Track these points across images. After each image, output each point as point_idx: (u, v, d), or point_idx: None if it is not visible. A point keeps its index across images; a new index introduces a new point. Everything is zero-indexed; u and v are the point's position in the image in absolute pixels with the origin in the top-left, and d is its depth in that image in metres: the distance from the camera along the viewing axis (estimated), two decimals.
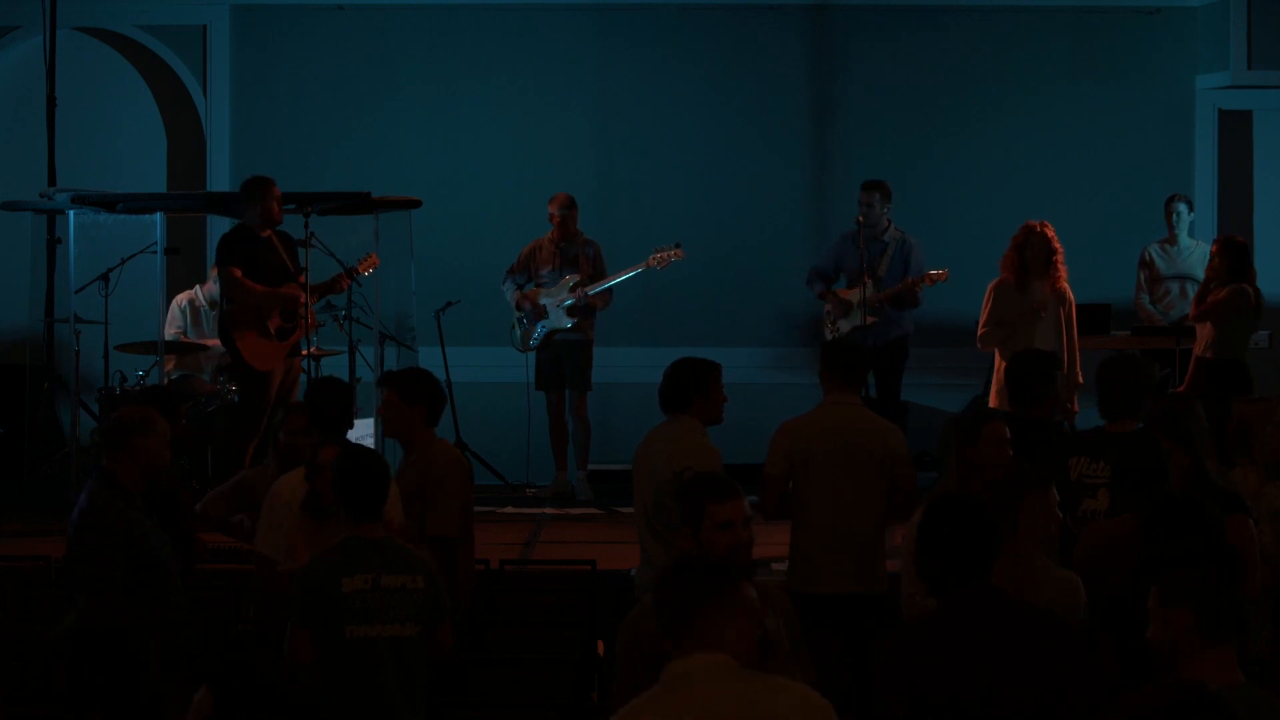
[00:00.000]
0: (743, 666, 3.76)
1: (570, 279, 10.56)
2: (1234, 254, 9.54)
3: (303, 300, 9.45)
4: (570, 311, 10.54)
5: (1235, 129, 12.22)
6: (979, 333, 9.42)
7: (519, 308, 10.71)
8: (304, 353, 10.34)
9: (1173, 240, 11.15)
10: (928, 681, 4.29)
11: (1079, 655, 4.41)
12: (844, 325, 10.52)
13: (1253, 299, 9.50)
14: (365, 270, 9.90)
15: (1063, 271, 9.36)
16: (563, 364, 10.60)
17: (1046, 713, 4.30)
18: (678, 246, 10.57)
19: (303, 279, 9.61)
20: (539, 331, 10.65)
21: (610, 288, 10.61)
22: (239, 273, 9.46)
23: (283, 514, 6.39)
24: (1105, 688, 4.86)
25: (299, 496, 6.32)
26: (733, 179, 12.22)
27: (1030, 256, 9.26)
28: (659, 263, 10.55)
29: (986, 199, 12.12)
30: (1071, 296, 9.46)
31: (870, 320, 10.37)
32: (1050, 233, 9.33)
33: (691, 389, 6.60)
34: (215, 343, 10.75)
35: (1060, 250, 9.32)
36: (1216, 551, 4.84)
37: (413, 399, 6.64)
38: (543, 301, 10.62)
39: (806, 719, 3.75)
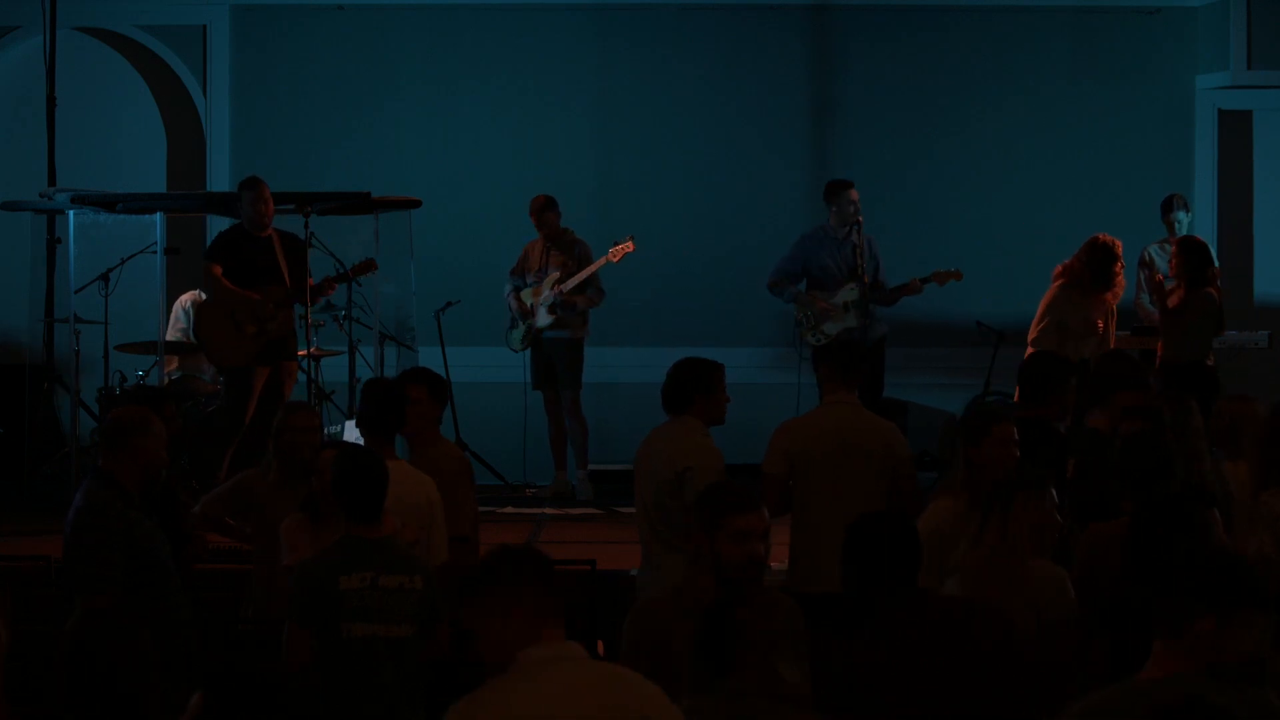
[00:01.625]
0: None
1: (553, 276, 10.56)
2: (1193, 254, 9.45)
3: (270, 306, 9.43)
4: (550, 310, 10.54)
5: (1235, 129, 12.21)
6: (1033, 334, 9.18)
7: (510, 309, 10.73)
8: (303, 352, 10.34)
9: (1173, 240, 11.15)
10: (876, 682, 4.33)
11: (1016, 648, 4.45)
12: (832, 329, 10.43)
13: (1217, 301, 9.45)
14: (361, 274, 9.87)
15: (1123, 284, 9.33)
16: (553, 363, 10.61)
17: (988, 699, 4.32)
18: (630, 239, 10.57)
19: (311, 283, 9.61)
20: (526, 330, 10.65)
21: (596, 287, 10.56)
22: (218, 270, 9.50)
23: None
24: (1066, 681, 4.91)
25: None
26: (733, 179, 12.22)
27: (1097, 269, 9.16)
28: (614, 256, 10.56)
29: (986, 199, 12.12)
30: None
31: (864, 322, 10.36)
32: (1118, 247, 9.25)
33: (694, 389, 6.60)
34: None
35: (1123, 264, 9.28)
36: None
37: (440, 397, 6.70)
38: (530, 301, 10.63)
39: (649, 707, 3.73)
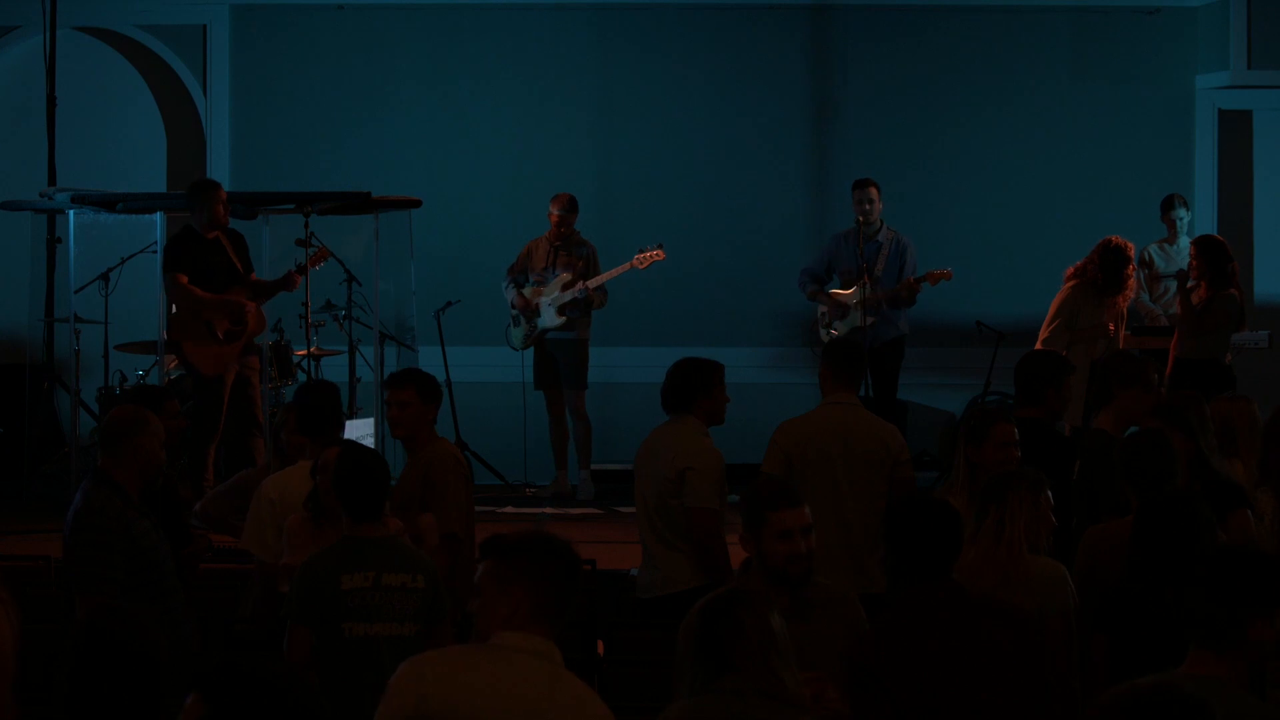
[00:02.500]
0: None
1: (563, 278, 10.55)
2: (1212, 253, 9.41)
3: (247, 304, 9.41)
4: (560, 310, 10.54)
5: (1235, 129, 12.21)
6: (1044, 332, 9.17)
7: (514, 306, 10.73)
8: (303, 352, 10.34)
9: (1172, 239, 11.15)
10: (890, 673, 4.31)
11: (1038, 648, 4.44)
12: (841, 327, 10.48)
13: (1240, 302, 9.42)
14: (315, 265, 9.80)
15: (1134, 287, 9.32)
16: (557, 362, 10.61)
17: (1004, 703, 4.31)
18: (659, 247, 10.57)
19: (254, 277, 9.59)
20: (530, 330, 10.65)
21: (602, 289, 10.59)
22: (185, 279, 9.42)
23: (268, 511, 6.41)
24: (1069, 681, 4.90)
25: (288, 494, 6.32)
26: (733, 179, 12.22)
27: (1109, 271, 9.14)
28: (642, 262, 10.55)
29: (986, 199, 12.12)
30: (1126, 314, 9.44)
31: (869, 321, 10.35)
32: (1130, 250, 9.23)
33: (694, 389, 6.60)
34: None
35: (1135, 267, 9.27)
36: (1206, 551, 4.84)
37: (431, 398, 6.68)
38: (536, 300, 10.63)
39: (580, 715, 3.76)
